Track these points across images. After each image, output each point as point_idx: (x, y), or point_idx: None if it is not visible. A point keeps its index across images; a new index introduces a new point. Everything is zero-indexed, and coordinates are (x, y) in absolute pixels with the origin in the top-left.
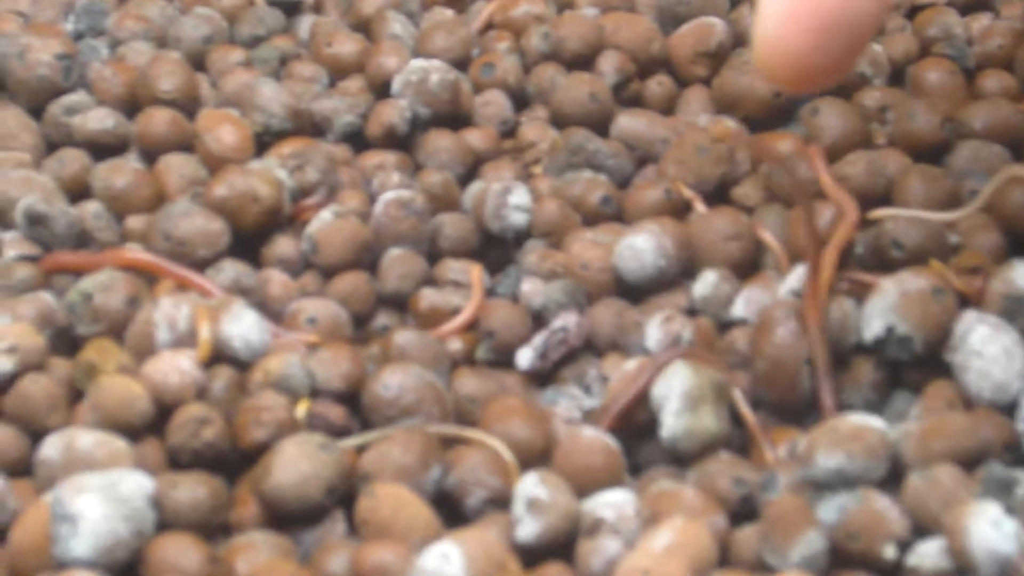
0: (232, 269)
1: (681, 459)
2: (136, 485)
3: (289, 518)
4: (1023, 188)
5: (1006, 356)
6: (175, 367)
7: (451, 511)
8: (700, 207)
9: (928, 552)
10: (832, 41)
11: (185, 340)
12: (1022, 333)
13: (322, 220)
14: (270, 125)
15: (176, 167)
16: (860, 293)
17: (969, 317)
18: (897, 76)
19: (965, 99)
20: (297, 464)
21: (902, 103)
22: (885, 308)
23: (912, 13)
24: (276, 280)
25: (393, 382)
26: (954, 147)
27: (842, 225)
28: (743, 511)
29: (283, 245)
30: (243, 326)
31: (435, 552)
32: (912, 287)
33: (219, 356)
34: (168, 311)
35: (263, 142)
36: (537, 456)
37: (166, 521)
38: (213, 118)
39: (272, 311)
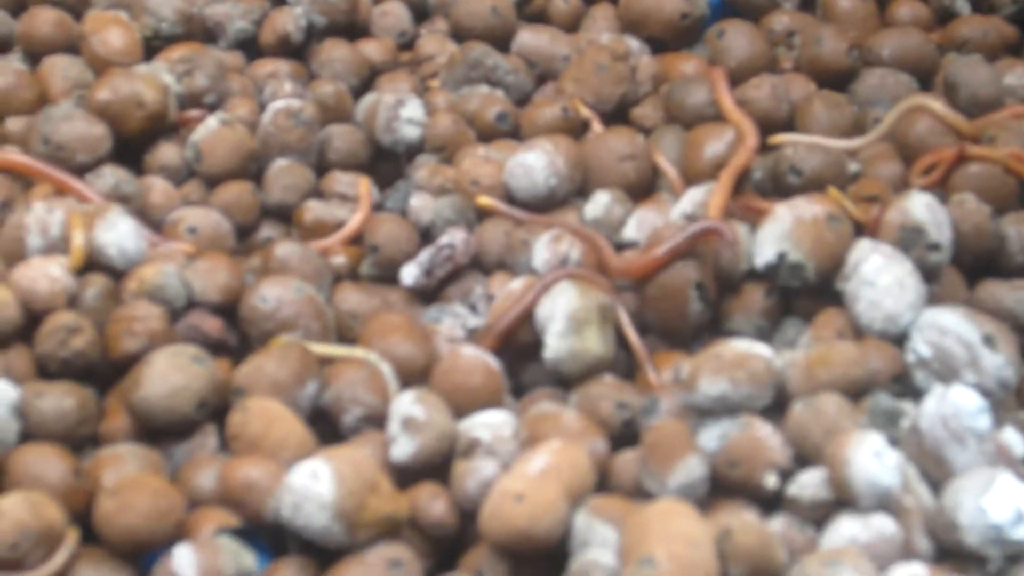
0: (112, 175)
1: (564, 381)
2: None
3: (159, 431)
4: (926, 118)
5: (898, 287)
6: (45, 273)
7: (327, 428)
8: (597, 126)
9: (809, 482)
10: None
11: (58, 246)
12: (916, 264)
13: (207, 127)
14: (160, 29)
15: (60, 69)
16: (755, 219)
17: (863, 246)
18: (808, 1)
19: (876, 27)
20: (168, 376)
21: (810, 28)
22: (778, 234)
23: None
24: (158, 188)
25: (271, 295)
26: (860, 75)
27: (740, 150)
28: (625, 435)
29: (167, 152)
30: (118, 233)
31: (304, 469)
32: (807, 214)
33: (93, 264)
34: (40, 216)
35: (152, 46)
36: (418, 374)
37: (30, 431)
38: (101, 20)
39: (153, 219)
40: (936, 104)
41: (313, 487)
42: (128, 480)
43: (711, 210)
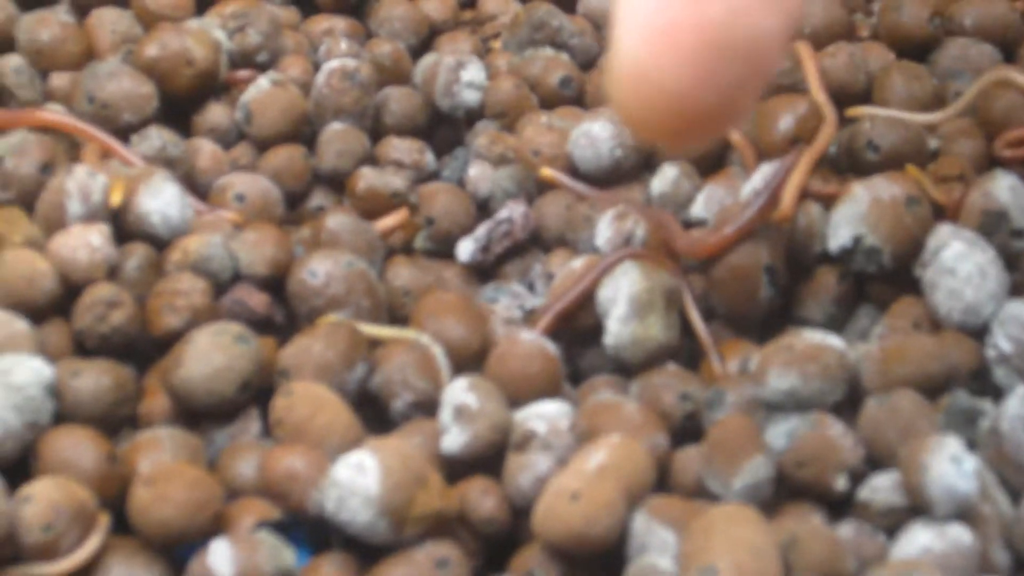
0: (158, 137)
1: (625, 368)
2: (32, 372)
3: (200, 413)
4: (1011, 92)
5: (980, 275)
6: (85, 243)
7: (375, 413)
8: None
9: (881, 486)
10: (725, 68)
11: (100, 214)
12: (1000, 252)
13: (259, 88)
14: None
15: (109, 22)
16: (828, 201)
17: (943, 231)
18: None
19: None
20: (210, 356)
21: None
22: (854, 216)
23: None
24: (206, 151)
25: (321, 269)
26: (941, 44)
27: (821, 134)
28: (687, 429)
29: (216, 113)
30: (162, 200)
31: (350, 461)
32: (885, 195)
33: (135, 232)
34: (82, 180)
35: (204, 0)
36: (472, 358)
37: (65, 413)
38: None
39: (199, 185)
40: (1021, 77)
41: (359, 480)
42: (164, 469)
43: (786, 195)
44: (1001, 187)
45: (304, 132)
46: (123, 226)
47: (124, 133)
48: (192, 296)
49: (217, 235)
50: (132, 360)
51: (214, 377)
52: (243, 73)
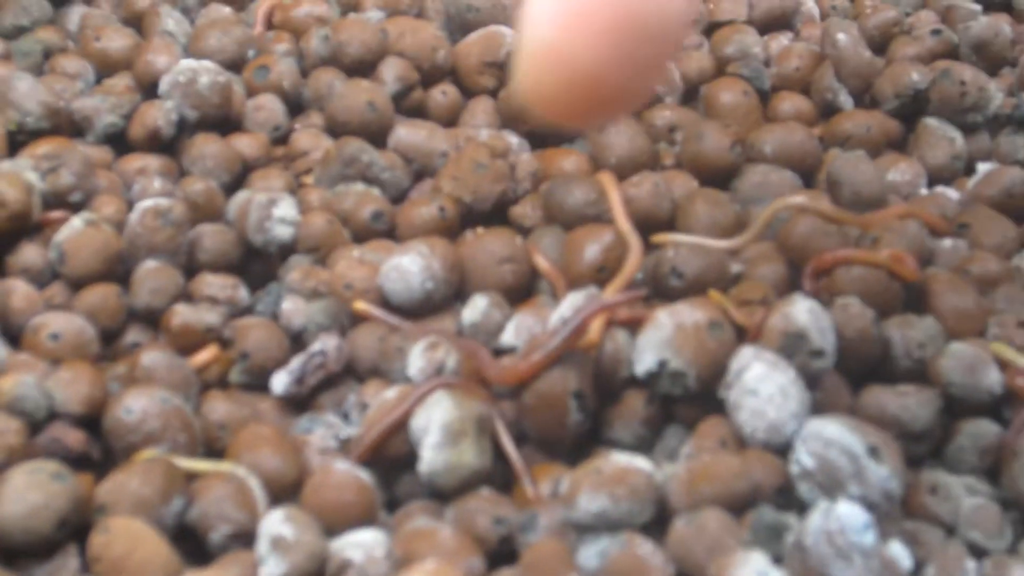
0: None
1: (440, 494)
2: None
3: (17, 552)
4: (810, 218)
5: (781, 395)
6: None
7: (194, 547)
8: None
9: None
10: (636, 47)
11: None
12: (800, 372)
13: (72, 228)
14: (25, 123)
15: None
16: (634, 326)
17: (746, 353)
18: (690, 95)
19: (759, 121)
20: (26, 494)
21: (692, 123)
22: (659, 341)
23: (710, 30)
24: (20, 291)
25: (136, 406)
26: (743, 171)
27: (628, 262)
28: (502, 552)
29: (29, 253)
30: None
31: None
32: (688, 320)
33: None
34: None
35: (16, 141)
36: (288, 488)
37: None
38: None
39: (13, 325)
40: (802, 199)
41: None
42: None
43: (593, 330)
44: (800, 309)
45: (118, 270)
46: None
47: None
48: (7, 436)
49: (31, 374)
50: None
51: (31, 515)
52: (56, 214)
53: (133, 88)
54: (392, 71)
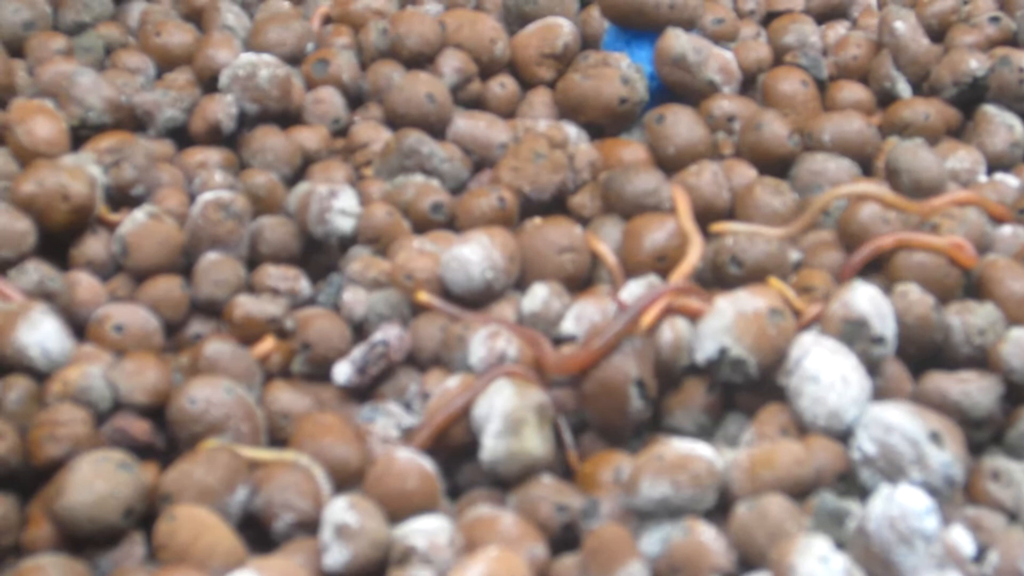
0: (36, 271)
1: (502, 482)
2: None
3: (84, 540)
4: (870, 206)
5: (842, 382)
6: None
7: (258, 534)
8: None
9: None
10: None
11: None
12: (860, 358)
13: (134, 220)
14: (87, 118)
15: None
16: (695, 315)
17: (805, 340)
18: (748, 84)
19: (817, 110)
20: (92, 483)
21: (750, 113)
22: (719, 329)
23: (767, 19)
24: (84, 283)
25: (200, 396)
26: (801, 159)
27: (688, 254)
28: (565, 539)
29: (93, 246)
30: (41, 334)
31: None
32: (748, 307)
33: (14, 365)
34: None
35: (79, 136)
36: (351, 477)
37: None
38: (26, 109)
39: (78, 316)
40: (866, 186)
41: None
42: None
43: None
44: (860, 297)
45: (180, 262)
46: (2, 360)
47: (1, 268)
48: (73, 426)
49: (96, 366)
50: (14, 489)
51: (98, 504)
52: (116, 216)
53: (193, 82)
54: (450, 63)
